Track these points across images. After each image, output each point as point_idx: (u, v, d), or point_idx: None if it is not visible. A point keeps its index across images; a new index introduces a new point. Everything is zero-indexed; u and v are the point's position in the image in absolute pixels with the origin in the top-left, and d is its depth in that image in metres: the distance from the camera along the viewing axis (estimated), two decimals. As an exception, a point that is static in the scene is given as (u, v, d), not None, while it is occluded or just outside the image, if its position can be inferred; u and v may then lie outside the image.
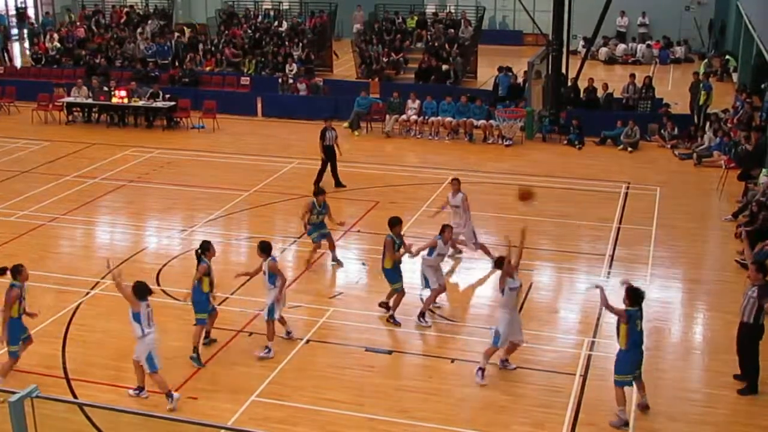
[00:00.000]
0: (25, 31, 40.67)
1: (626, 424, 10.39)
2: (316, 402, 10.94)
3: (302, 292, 14.17)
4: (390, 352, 12.22)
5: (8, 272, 11.24)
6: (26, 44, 38.51)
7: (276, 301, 12.01)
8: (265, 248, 12.07)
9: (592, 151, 22.99)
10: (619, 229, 17.12)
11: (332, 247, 15.31)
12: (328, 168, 19.37)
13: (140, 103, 25.64)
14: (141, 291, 10.67)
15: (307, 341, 12.48)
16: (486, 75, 30.81)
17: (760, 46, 23.23)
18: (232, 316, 13.31)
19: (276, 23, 34.73)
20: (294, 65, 30.22)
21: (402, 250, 13.05)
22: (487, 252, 15.06)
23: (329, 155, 19.30)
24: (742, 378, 11.28)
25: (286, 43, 32.59)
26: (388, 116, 24.79)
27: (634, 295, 10.29)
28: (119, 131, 25.38)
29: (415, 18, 34.13)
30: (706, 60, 33.10)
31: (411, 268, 13.57)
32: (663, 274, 15.10)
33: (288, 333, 12.53)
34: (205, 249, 11.95)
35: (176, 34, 33.84)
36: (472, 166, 21.52)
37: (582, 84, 25.65)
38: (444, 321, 13.22)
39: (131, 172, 20.97)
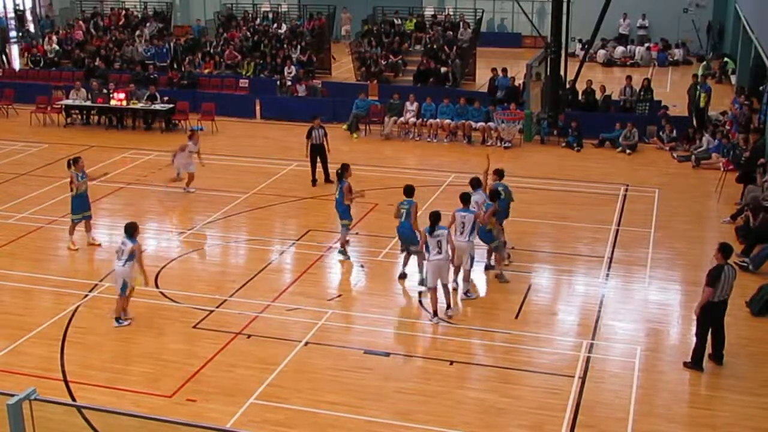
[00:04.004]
0: (23, 33, 40.70)
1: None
2: (315, 404, 10.94)
3: (301, 295, 14.17)
4: (388, 354, 12.22)
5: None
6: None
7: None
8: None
9: (591, 154, 23.01)
10: (617, 231, 17.13)
11: None
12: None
13: (139, 105, 25.64)
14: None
15: (306, 343, 12.47)
16: (485, 77, 30.80)
17: (758, 49, 23.24)
18: (231, 318, 13.30)
19: (275, 25, 34.76)
20: (292, 67, 30.22)
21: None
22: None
23: (316, 153, 19.80)
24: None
25: (285, 45, 32.61)
26: (386, 118, 24.80)
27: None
28: (118, 133, 25.38)
29: (414, 20, 34.15)
30: (704, 62, 33.15)
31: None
32: (662, 276, 15.11)
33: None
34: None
35: (174, 38, 33.88)
36: (471, 169, 21.47)
37: (580, 86, 25.66)
38: (443, 322, 13.21)
39: (130, 175, 20.97)
